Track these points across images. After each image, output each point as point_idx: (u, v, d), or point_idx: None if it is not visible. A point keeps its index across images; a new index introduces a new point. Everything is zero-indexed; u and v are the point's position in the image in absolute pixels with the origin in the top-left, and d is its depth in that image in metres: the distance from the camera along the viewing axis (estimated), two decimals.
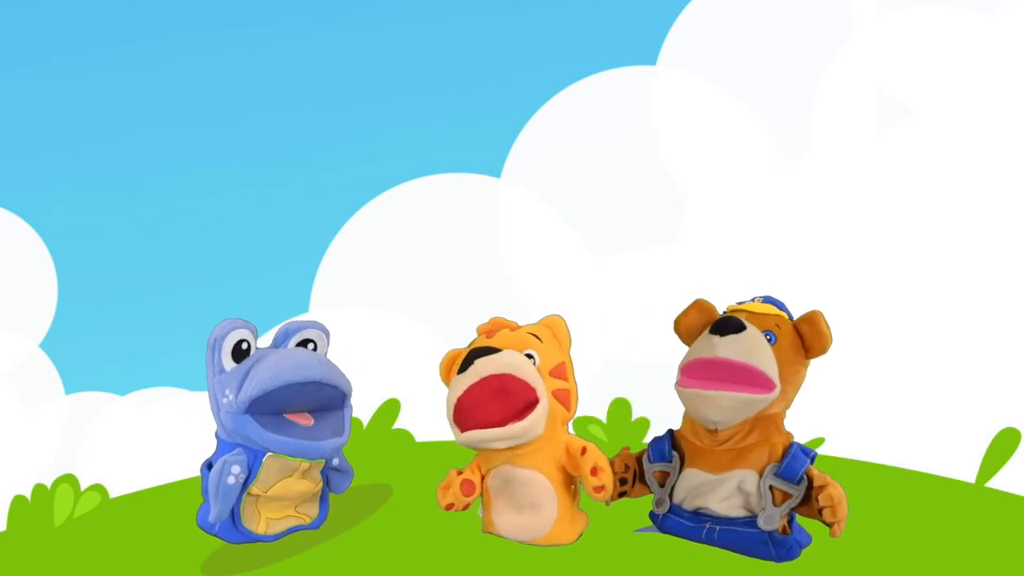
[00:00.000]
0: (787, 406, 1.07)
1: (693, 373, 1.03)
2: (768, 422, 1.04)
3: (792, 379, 1.05)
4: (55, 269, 2.13)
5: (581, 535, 1.09)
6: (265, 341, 1.16)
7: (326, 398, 1.11)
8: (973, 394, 1.78)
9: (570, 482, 1.08)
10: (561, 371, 1.10)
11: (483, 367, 1.03)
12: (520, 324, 1.14)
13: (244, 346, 1.09)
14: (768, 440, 1.04)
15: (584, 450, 1.05)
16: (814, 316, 1.05)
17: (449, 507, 1.09)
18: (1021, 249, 1.88)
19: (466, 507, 1.09)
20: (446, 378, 1.13)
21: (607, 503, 1.07)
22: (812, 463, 1.02)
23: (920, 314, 1.89)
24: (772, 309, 1.07)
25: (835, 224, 2.00)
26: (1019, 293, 1.85)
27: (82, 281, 2.15)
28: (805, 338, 1.05)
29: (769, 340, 1.03)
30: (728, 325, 1.02)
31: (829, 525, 0.99)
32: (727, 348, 1.01)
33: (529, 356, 1.07)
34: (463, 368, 1.04)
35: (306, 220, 2.21)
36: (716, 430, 1.04)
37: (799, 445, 1.04)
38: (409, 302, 2.11)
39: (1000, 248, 1.90)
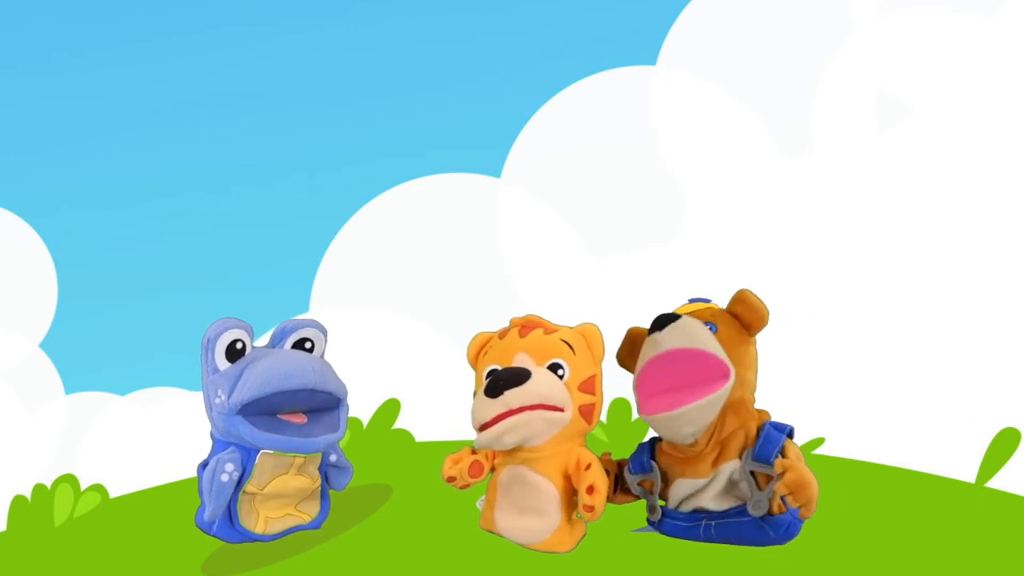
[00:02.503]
0: (752, 389, 1.06)
1: (650, 388, 1.02)
2: (738, 407, 1.03)
3: (744, 360, 1.04)
4: (55, 269, 2.13)
5: (578, 545, 1.08)
6: (264, 342, 1.16)
7: (319, 402, 1.11)
8: (973, 394, 1.77)
9: (575, 492, 1.07)
10: (590, 385, 1.07)
11: (513, 400, 1.01)
12: (556, 325, 1.10)
13: (239, 346, 1.09)
14: (743, 425, 1.03)
15: (589, 466, 1.04)
16: (743, 295, 1.06)
17: (451, 480, 1.08)
18: (1021, 249, 1.88)
19: (466, 487, 1.08)
20: (474, 362, 1.12)
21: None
22: (790, 437, 1.01)
23: (920, 314, 1.89)
24: (701, 306, 1.08)
25: (835, 224, 2.00)
26: (1019, 293, 1.85)
27: (82, 281, 2.15)
28: (742, 318, 1.06)
29: (711, 330, 1.03)
30: (663, 318, 1.03)
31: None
32: (671, 339, 1.01)
33: (558, 366, 1.05)
34: (491, 391, 1.02)
35: (306, 220, 2.21)
36: (694, 442, 1.03)
37: (771, 424, 1.02)
38: (409, 302, 2.11)
39: (1000, 248, 1.90)
